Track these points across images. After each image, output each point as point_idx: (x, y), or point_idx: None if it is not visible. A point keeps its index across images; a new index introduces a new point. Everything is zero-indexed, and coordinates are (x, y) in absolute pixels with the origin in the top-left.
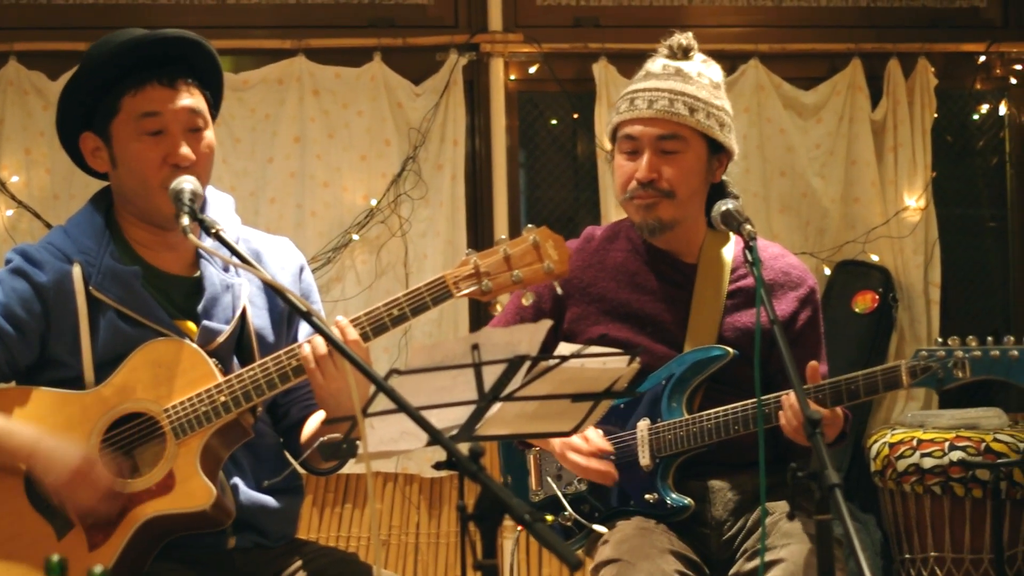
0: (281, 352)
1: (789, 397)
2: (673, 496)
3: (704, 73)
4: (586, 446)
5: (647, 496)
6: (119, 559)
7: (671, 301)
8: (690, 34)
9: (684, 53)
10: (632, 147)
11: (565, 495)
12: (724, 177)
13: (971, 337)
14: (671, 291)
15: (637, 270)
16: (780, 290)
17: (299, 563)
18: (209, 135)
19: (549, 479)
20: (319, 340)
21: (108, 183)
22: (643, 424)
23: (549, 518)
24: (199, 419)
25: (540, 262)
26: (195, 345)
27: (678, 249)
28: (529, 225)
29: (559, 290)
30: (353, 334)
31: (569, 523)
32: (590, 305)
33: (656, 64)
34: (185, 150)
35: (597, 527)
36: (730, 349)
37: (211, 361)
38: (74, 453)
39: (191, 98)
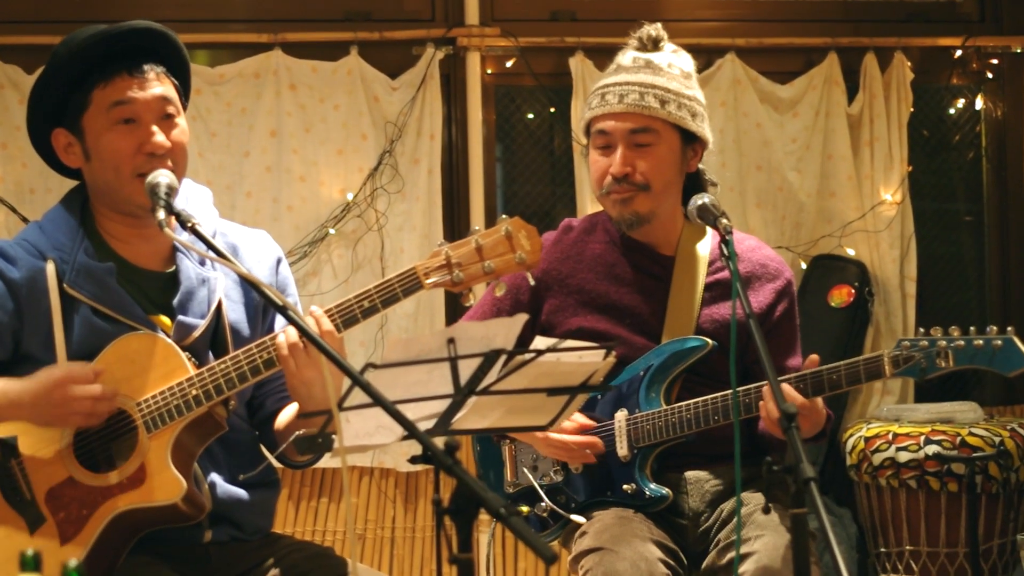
0: (252, 345)
1: (768, 390)
2: (651, 487)
3: (675, 63)
4: (568, 424)
5: (625, 487)
6: (91, 552)
7: (649, 293)
8: (659, 25)
9: (654, 44)
10: (605, 142)
11: (541, 486)
12: (701, 166)
13: (953, 327)
14: (649, 283)
15: (615, 262)
16: (757, 282)
17: (274, 558)
18: (181, 122)
19: (525, 470)
20: (292, 330)
21: (80, 181)
22: (621, 415)
23: (525, 509)
24: (170, 412)
25: (512, 252)
26: (168, 339)
27: (655, 241)
28: (503, 215)
29: (531, 280)
30: (327, 324)
31: (545, 514)
32: (568, 297)
33: (626, 57)
34: (159, 137)
35: (575, 517)
36: (709, 340)
37: (183, 355)
38: (45, 376)
39: (161, 86)
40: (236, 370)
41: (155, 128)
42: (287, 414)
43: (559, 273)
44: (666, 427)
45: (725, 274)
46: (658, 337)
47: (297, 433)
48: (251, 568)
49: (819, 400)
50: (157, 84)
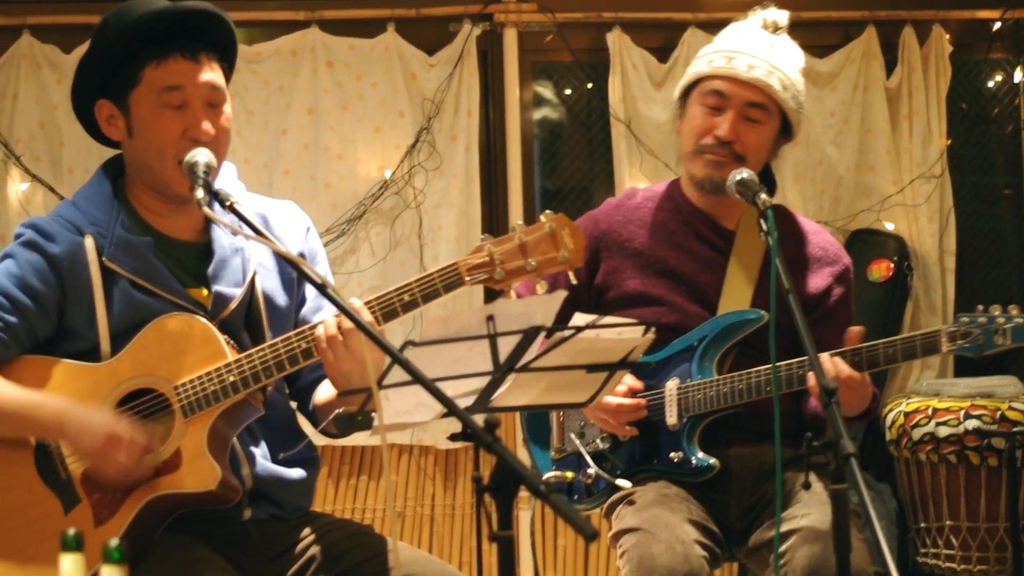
0: (292, 333)
1: (823, 358)
2: (699, 455)
3: (793, 55)
4: (615, 401)
5: (672, 455)
6: (124, 535)
7: (707, 263)
8: (787, 13)
9: (775, 30)
10: (719, 103)
11: (588, 452)
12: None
13: (1012, 306)
14: (708, 253)
15: (676, 229)
16: (816, 264)
17: (314, 535)
18: (227, 109)
19: (572, 435)
20: (331, 321)
21: (118, 151)
22: (672, 383)
23: (570, 475)
24: (207, 398)
25: (555, 251)
26: (207, 321)
27: (719, 213)
28: (547, 211)
29: (574, 280)
30: (368, 316)
31: (590, 480)
32: (626, 259)
33: (748, 31)
34: (206, 125)
35: (620, 481)
36: (765, 313)
37: (222, 338)
38: (106, 418)
39: (212, 73)
40: (275, 358)
41: (203, 115)
42: (327, 390)
43: (618, 236)
44: (717, 397)
45: (786, 251)
46: (713, 308)
47: (337, 411)
48: (291, 546)
49: (867, 376)
50: (209, 70)
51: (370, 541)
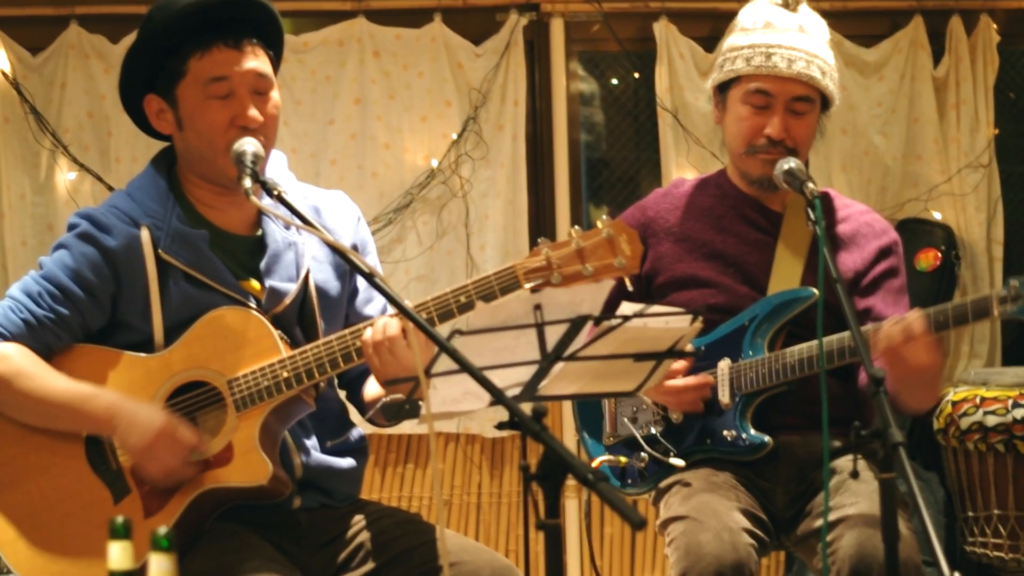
0: (346, 331)
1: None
2: (751, 433)
3: (819, 28)
4: (680, 365)
5: (725, 433)
6: (174, 526)
7: (756, 245)
8: None
9: (795, 4)
10: (765, 102)
11: (641, 436)
12: None
13: None
14: (756, 235)
15: (723, 213)
16: (863, 239)
17: (363, 523)
18: (275, 96)
19: (625, 420)
20: (379, 325)
21: (169, 143)
22: (724, 363)
23: (623, 460)
24: (260, 394)
25: (613, 257)
26: (261, 316)
27: (765, 197)
28: (604, 217)
29: (630, 287)
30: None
31: (643, 464)
32: (675, 244)
33: (775, 15)
34: (253, 112)
35: (674, 460)
36: (815, 291)
37: (276, 333)
38: (156, 416)
39: (257, 60)
40: (329, 356)
41: (250, 103)
42: (375, 387)
43: (666, 222)
44: (769, 373)
45: (834, 230)
46: (763, 289)
47: (384, 399)
48: (340, 533)
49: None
50: (253, 58)
51: (419, 529)
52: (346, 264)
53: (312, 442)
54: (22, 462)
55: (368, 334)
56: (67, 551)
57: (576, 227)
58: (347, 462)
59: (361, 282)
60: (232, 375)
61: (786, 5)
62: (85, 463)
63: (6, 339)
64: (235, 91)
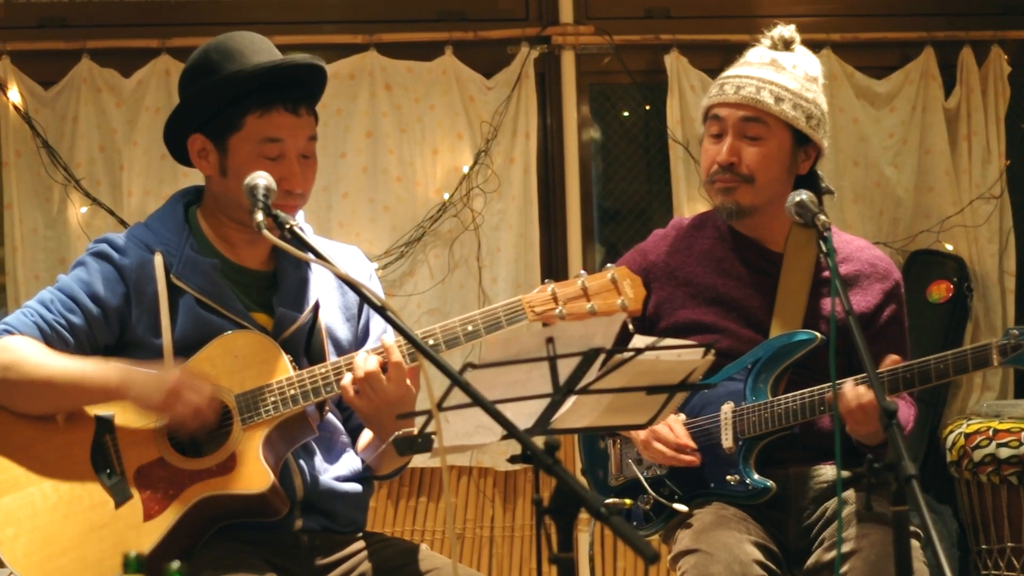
0: (354, 353)
1: (846, 386)
2: (755, 477)
3: (800, 65)
4: (672, 437)
5: (728, 477)
6: (170, 532)
7: (757, 287)
8: (793, 27)
9: (785, 45)
10: (718, 129)
11: (646, 478)
12: (819, 172)
13: None
14: (757, 278)
15: (723, 256)
16: (866, 281)
17: (364, 551)
18: (315, 157)
19: (630, 462)
20: (358, 363)
21: (193, 174)
22: (727, 407)
23: (628, 502)
24: (267, 408)
25: (616, 296)
26: (272, 339)
27: (763, 237)
28: (609, 264)
29: (631, 327)
30: (396, 356)
31: (648, 506)
32: (676, 289)
33: (754, 53)
34: (300, 178)
35: (677, 505)
36: (818, 334)
37: (286, 357)
38: (167, 370)
39: (309, 127)
40: (336, 375)
41: (298, 168)
42: (365, 439)
43: (667, 266)
44: (772, 418)
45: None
46: (766, 331)
47: (397, 434)
48: (341, 558)
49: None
50: (307, 124)
51: (422, 559)
52: (355, 309)
53: (315, 465)
54: (27, 466)
55: (347, 379)
56: (65, 551)
57: (583, 271)
58: (352, 487)
59: (373, 328)
60: (240, 391)
61: (773, 47)
62: (89, 468)
63: (12, 335)
64: (286, 154)
